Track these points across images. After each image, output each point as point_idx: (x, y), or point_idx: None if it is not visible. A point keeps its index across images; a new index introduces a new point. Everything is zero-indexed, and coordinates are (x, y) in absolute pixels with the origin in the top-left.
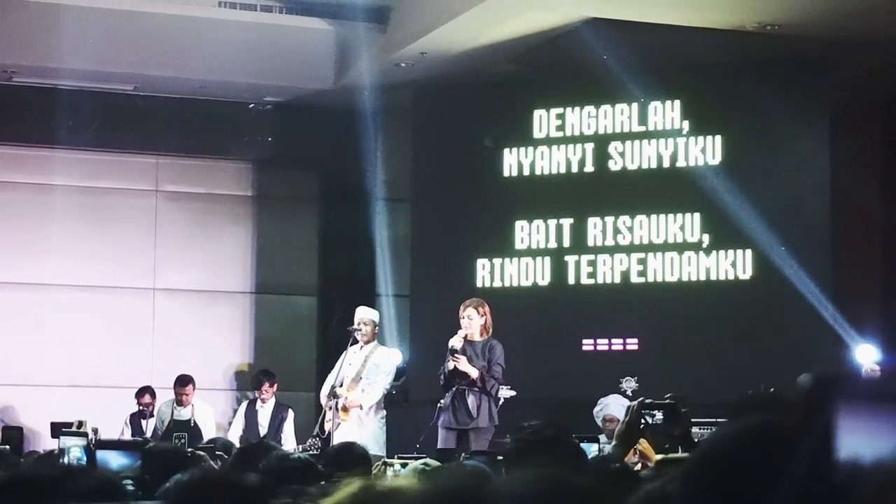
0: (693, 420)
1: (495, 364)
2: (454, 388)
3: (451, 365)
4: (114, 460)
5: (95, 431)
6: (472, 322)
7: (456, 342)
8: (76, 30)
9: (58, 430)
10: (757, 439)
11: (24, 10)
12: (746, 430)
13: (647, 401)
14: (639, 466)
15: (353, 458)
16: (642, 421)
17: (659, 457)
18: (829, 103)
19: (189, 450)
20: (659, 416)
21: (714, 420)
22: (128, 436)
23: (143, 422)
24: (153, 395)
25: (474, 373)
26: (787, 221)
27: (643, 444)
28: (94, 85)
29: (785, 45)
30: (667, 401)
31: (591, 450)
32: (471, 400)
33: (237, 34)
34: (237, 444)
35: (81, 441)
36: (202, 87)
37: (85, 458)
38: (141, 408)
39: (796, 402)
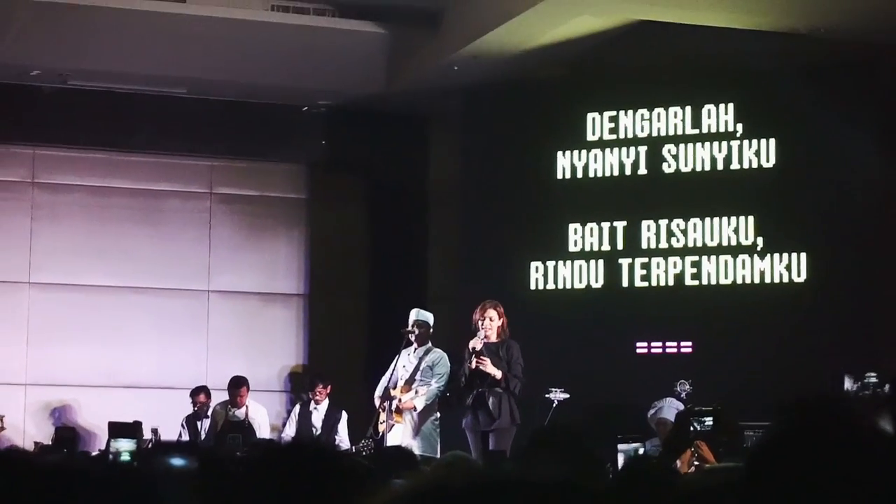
0: (746, 423)
1: (515, 363)
2: (475, 391)
3: (473, 366)
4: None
5: (155, 432)
6: (493, 323)
7: (476, 343)
8: (129, 34)
9: (115, 429)
10: (808, 442)
11: (77, 14)
12: (795, 433)
13: (696, 408)
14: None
15: (400, 459)
16: (691, 428)
17: (708, 466)
18: (882, 107)
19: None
20: (708, 422)
21: (768, 424)
22: (185, 438)
23: (199, 423)
24: (208, 394)
25: (499, 374)
26: (841, 224)
27: (703, 449)
28: (147, 88)
29: (837, 49)
30: (715, 408)
31: (636, 450)
32: (491, 401)
33: (289, 38)
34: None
35: (131, 445)
36: (255, 90)
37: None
38: (196, 408)
39: (879, 404)
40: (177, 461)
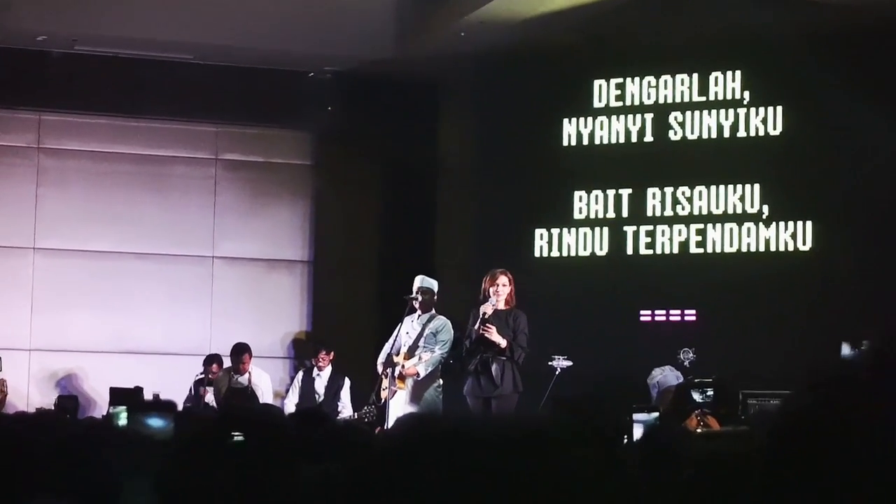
0: (749, 392)
1: (521, 333)
2: (478, 357)
3: (477, 327)
4: (151, 423)
5: (156, 397)
6: (505, 290)
7: (488, 308)
8: None
9: (116, 395)
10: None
11: None
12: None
13: (696, 380)
14: None
15: None
16: (692, 398)
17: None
18: (893, 75)
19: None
20: (710, 393)
21: (771, 392)
22: (191, 403)
23: (202, 389)
24: (220, 364)
25: (503, 342)
26: (848, 193)
27: (710, 421)
28: (154, 54)
29: (849, 16)
30: (714, 380)
31: (656, 419)
32: (494, 368)
33: (298, 3)
34: (292, 412)
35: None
36: (261, 56)
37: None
38: (209, 376)
39: (865, 359)
40: (155, 421)
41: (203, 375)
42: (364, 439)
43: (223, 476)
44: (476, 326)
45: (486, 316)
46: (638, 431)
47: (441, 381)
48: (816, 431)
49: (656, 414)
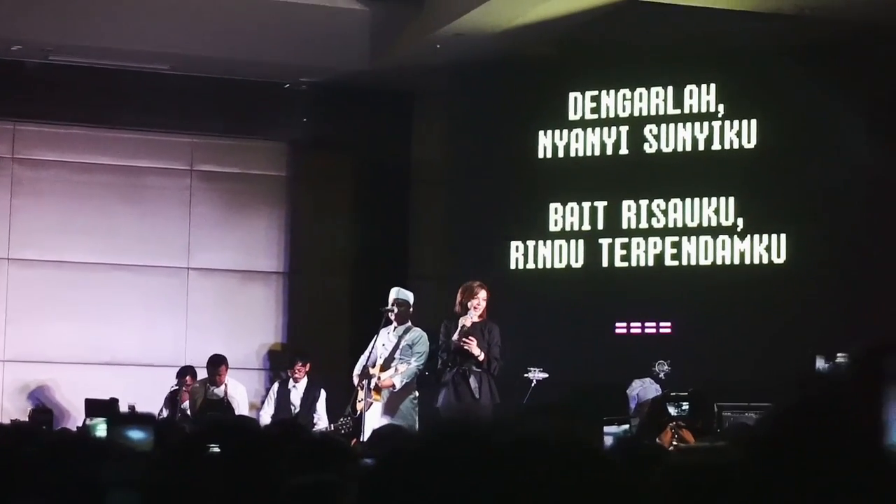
0: (724, 404)
1: (495, 345)
2: (455, 369)
3: (456, 337)
4: (131, 435)
5: (132, 409)
6: (484, 303)
7: (467, 321)
8: (112, 9)
9: (92, 407)
10: (814, 415)
11: None
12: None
13: (672, 394)
14: None
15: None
16: (668, 411)
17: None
18: (868, 89)
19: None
20: (685, 406)
21: (746, 404)
22: (165, 414)
23: (179, 400)
24: (194, 376)
25: (482, 355)
26: (823, 206)
27: (685, 434)
28: (130, 64)
29: (823, 29)
30: (691, 393)
31: (626, 431)
32: (472, 381)
33: (273, 14)
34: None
35: (104, 422)
36: (237, 67)
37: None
38: (184, 388)
39: (850, 370)
40: (135, 433)
41: (177, 387)
42: (340, 450)
43: (207, 485)
44: (455, 338)
45: (466, 328)
46: (609, 444)
47: (417, 393)
48: (804, 433)
49: (626, 426)
